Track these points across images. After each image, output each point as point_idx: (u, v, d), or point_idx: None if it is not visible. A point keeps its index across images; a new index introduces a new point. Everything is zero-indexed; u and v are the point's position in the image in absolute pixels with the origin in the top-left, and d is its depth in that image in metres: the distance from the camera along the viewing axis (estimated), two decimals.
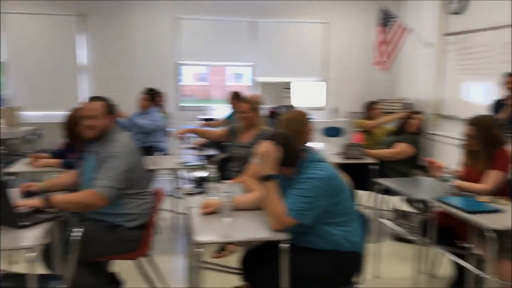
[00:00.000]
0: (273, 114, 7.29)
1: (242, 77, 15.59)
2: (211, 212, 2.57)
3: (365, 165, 4.45)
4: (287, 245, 2.26)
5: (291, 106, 7.06)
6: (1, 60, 7.59)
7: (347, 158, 4.52)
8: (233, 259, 3.89)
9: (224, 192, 2.49)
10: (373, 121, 5.46)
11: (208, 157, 5.69)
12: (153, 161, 4.47)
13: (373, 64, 7.68)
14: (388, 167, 4.54)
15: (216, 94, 16.42)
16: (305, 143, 2.85)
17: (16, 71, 7.66)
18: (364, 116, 5.61)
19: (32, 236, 2.29)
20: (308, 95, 8.61)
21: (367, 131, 5.47)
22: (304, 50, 8.43)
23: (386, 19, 7.29)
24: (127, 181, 2.81)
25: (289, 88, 8.49)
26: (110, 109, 2.94)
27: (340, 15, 8.45)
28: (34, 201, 2.61)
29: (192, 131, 4.58)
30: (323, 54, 8.49)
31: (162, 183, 5.18)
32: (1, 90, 7.70)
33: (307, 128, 2.99)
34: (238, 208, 2.60)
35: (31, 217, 2.49)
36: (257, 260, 2.65)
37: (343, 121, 8.15)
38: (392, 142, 4.65)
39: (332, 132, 7.39)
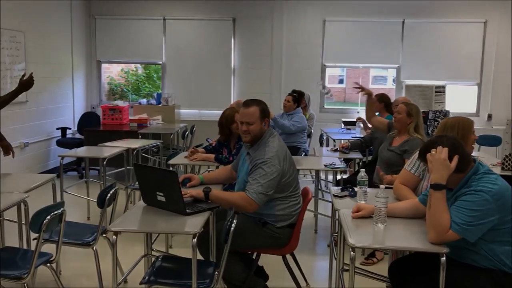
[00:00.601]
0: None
1: (386, 79, 15.12)
2: (362, 216, 2.54)
3: None
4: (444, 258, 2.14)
5: (443, 111, 6.63)
6: (161, 62, 8.39)
7: (505, 169, 4.12)
8: (379, 266, 3.82)
9: (379, 197, 2.43)
10: None
11: (352, 160, 5.64)
12: (296, 162, 4.53)
13: None
14: None
15: (353, 97, 16.18)
16: (470, 152, 2.66)
17: (174, 72, 8.39)
18: None
19: (194, 223, 2.48)
20: (459, 100, 8.00)
21: None
22: (456, 52, 7.85)
23: None
24: (277, 186, 2.90)
25: (442, 92, 7.93)
26: (265, 113, 3.02)
27: (499, 13, 7.71)
28: (197, 192, 2.83)
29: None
30: (477, 55, 7.83)
31: (304, 183, 5.27)
32: (160, 89, 8.51)
33: (473, 136, 2.79)
34: (391, 215, 2.52)
35: (193, 206, 2.71)
36: (406, 270, 2.55)
37: (498, 129, 7.44)
38: None
39: (488, 141, 6.74)
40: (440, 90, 7.89)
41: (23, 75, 3.92)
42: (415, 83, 8.01)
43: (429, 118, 6.73)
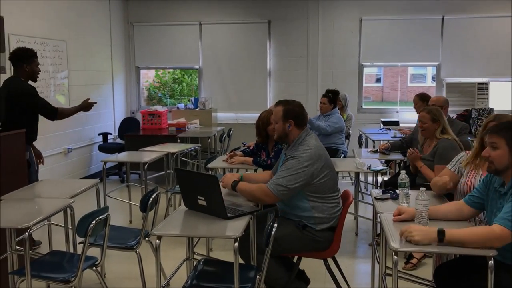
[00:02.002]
0: (461, 117, 6.76)
1: (425, 78, 14.79)
2: (403, 219, 2.48)
3: None
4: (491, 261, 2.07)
5: (486, 109, 6.42)
6: (198, 66, 8.49)
7: None
8: (424, 270, 3.73)
9: (420, 200, 2.37)
10: None
11: (392, 161, 5.53)
12: (334, 164, 4.48)
13: None
14: None
15: (391, 96, 15.89)
16: None
17: (210, 76, 8.47)
18: None
19: (235, 227, 2.49)
20: (503, 97, 7.71)
21: None
22: (499, 47, 7.56)
23: None
24: (310, 186, 2.88)
25: (485, 89, 7.66)
26: (289, 114, 3.02)
27: None
28: (226, 182, 3.01)
29: None
30: None
31: (343, 185, 5.21)
32: (197, 94, 8.61)
33: None
34: (434, 218, 2.46)
35: (234, 210, 2.72)
36: (452, 274, 2.47)
37: None
38: None
39: None
40: (482, 87, 7.63)
41: (88, 99, 4.61)
42: (456, 80, 7.79)
43: (472, 116, 6.53)
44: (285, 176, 2.85)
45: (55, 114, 4.30)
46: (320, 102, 5.96)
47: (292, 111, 3.03)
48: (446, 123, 3.89)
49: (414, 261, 3.83)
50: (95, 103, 4.63)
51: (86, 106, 4.52)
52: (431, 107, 4.11)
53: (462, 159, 2.96)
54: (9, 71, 5.08)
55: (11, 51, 4.46)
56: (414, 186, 3.45)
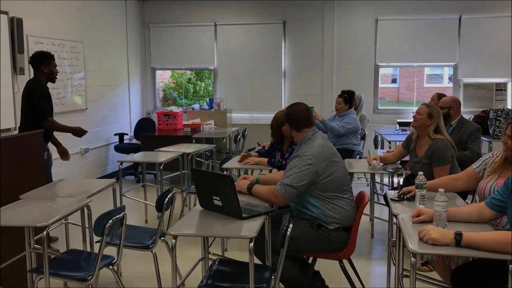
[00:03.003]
0: (479, 118, 6.67)
1: (441, 78, 14.64)
2: (423, 221, 2.45)
3: None
4: None
5: (505, 110, 6.31)
6: (213, 67, 8.52)
7: None
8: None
9: (438, 201, 2.34)
10: None
11: (407, 162, 5.47)
12: (349, 165, 4.47)
13: None
14: None
15: (406, 96, 15.76)
16: None
17: (225, 77, 8.49)
18: None
19: (250, 228, 2.49)
20: None
21: None
22: None
23: None
24: (317, 184, 2.88)
25: (504, 90, 7.54)
26: (287, 118, 3.15)
27: None
28: (242, 186, 3.05)
29: None
30: None
31: (358, 187, 5.18)
32: (212, 94, 8.64)
33: None
34: (453, 219, 2.43)
35: (249, 210, 2.73)
36: (470, 277, 2.44)
37: None
38: None
39: None
40: (501, 88, 7.52)
41: (79, 129, 4.67)
42: (473, 81, 7.69)
43: (490, 117, 6.42)
44: (289, 175, 2.89)
45: (43, 120, 4.37)
46: (336, 103, 5.94)
47: (288, 116, 3.15)
48: (442, 125, 3.82)
49: (430, 267, 3.79)
50: (87, 132, 4.75)
51: (78, 131, 4.64)
52: (433, 105, 4.05)
53: (487, 160, 2.90)
54: (27, 72, 5.18)
55: (31, 54, 4.67)
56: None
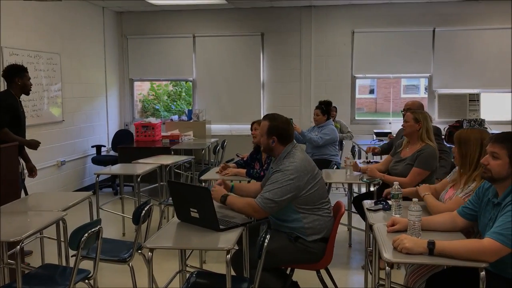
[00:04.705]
0: (454, 128, 6.82)
1: (418, 89, 14.90)
2: (397, 230, 2.49)
3: None
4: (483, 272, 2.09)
5: (478, 120, 6.48)
6: (192, 79, 8.52)
7: None
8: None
9: (412, 211, 2.39)
10: None
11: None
12: (327, 175, 4.51)
13: None
14: None
15: (384, 107, 16.00)
16: None
17: (204, 88, 8.50)
18: None
19: (227, 239, 2.49)
20: (495, 108, 7.79)
21: None
22: (489, 59, 7.65)
23: None
24: (299, 198, 2.89)
25: (476, 100, 7.73)
26: (273, 131, 3.04)
27: None
28: (217, 196, 2.96)
29: None
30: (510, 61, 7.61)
31: (336, 196, 5.22)
32: (191, 105, 8.63)
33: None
34: (427, 228, 2.48)
35: (226, 222, 2.73)
36: (445, 284, 2.48)
37: None
38: None
39: None
40: (474, 99, 7.71)
41: (34, 141, 4.56)
42: (447, 92, 7.87)
43: (464, 127, 6.59)
44: (271, 189, 2.86)
45: None
46: (314, 114, 5.99)
47: (277, 128, 3.05)
48: (429, 127, 3.94)
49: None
50: (40, 143, 4.63)
51: (32, 144, 4.55)
52: (416, 110, 4.18)
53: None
54: (2, 84, 5.10)
55: (5, 66, 4.63)
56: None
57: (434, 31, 7.78)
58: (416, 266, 2.75)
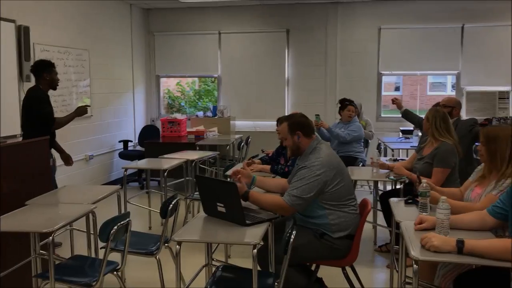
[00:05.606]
0: (482, 127, 6.68)
1: (445, 86, 14.65)
2: (425, 228, 2.47)
3: None
4: None
5: (508, 118, 6.35)
6: (217, 75, 8.57)
7: None
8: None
9: (441, 209, 2.36)
10: None
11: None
12: (352, 172, 4.49)
13: None
14: None
15: (410, 104, 15.77)
16: None
17: (229, 84, 8.54)
18: None
19: (253, 234, 2.51)
20: None
21: None
22: None
23: None
24: (325, 194, 2.89)
25: (506, 98, 7.53)
26: (294, 127, 3.06)
27: None
28: (240, 189, 2.88)
29: None
30: None
31: (361, 194, 5.18)
32: (216, 102, 8.68)
33: None
34: (455, 227, 2.45)
35: (253, 217, 2.75)
36: (474, 284, 2.45)
37: None
38: None
39: None
40: (504, 96, 7.54)
41: (83, 106, 4.79)
42: (476, 89, 7.71)
43: (493, 125, 6.45)
44: (298, 186, 2.86)
45: (53, 124, 4.53)
46: (349, 111, 5.90)
47: (297, 123, 3.08)
48: (440, 126, 3.90)
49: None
50: (89, 106, 4.87)
51: (81, 111, 4.72)
52: (433, 108, 4.17)
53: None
54: (33, 80, 5.23)
55: (34, 61, 4.80)
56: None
57: (463, 27, 7.63)
58: (449, 268, 2.72)
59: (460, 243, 2.14)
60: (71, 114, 4.74)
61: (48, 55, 5.70)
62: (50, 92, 4.67)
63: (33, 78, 4.67)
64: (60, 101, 6.00)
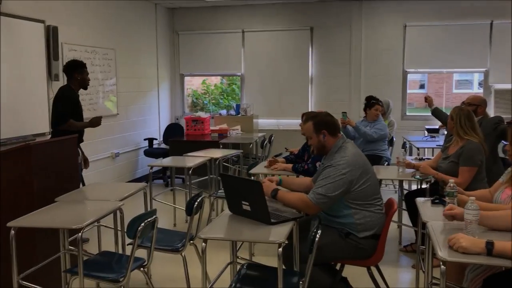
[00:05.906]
0: (510, 125, 6.53)
1: (471, 84, 14.37)
2: (454, 214, 2.46)
3: None
4: None
5: None
6: (240, 73, 8.59)
7: None
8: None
9: (469, 209, 2.32)
10: None
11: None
12: (377, 171, 4.44)
13: None
14: None
15: (435, 102, 15.50)
16: None
17: (252, 83, 8.56)
18: None
19: (278, 233, 2.51)
20: None
21: None
22: None
23: None
24: (350, 193, 2.87)
25: None
26: (320, 126, 3.05)
27: None
28: (266, 190, 2.93)
29: None
30: None
31: (385, 193, 5.12)
32: (239, 100, 8.71)
33: None
34: (485, 225, 2.40)
35: (277, 216, 2.76)
36: (503, 286, 2.40)
37: None
38: None
39: None
40: None
41: (94, 119, 4.79)
42: (505, 87, 7.54)
43: None
44: (324, 185, 2.86)
45: (63, 123, 4.56)
46: (376, 110, 5.85)
47: (322, 122, 3.08)
48: (465, 124, 3.86)
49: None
50: (101, 117, 4.87)
51: (94, 122, 4.76)
52: (457, 106, 4.11)
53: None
54: (62, 79, 5.34)
55: (65, 61, 4.93)
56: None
57: (491, 24, 7.46)
58: (479, 271, 2.68)
59: (490, 245, 2.10)
60: (87, 123, 4.80)
61: (76, 54, 5.82)
62: (80, 92, 4.79)
63: (62, 77, 4.78)
64: (87, 100, 6.11)
